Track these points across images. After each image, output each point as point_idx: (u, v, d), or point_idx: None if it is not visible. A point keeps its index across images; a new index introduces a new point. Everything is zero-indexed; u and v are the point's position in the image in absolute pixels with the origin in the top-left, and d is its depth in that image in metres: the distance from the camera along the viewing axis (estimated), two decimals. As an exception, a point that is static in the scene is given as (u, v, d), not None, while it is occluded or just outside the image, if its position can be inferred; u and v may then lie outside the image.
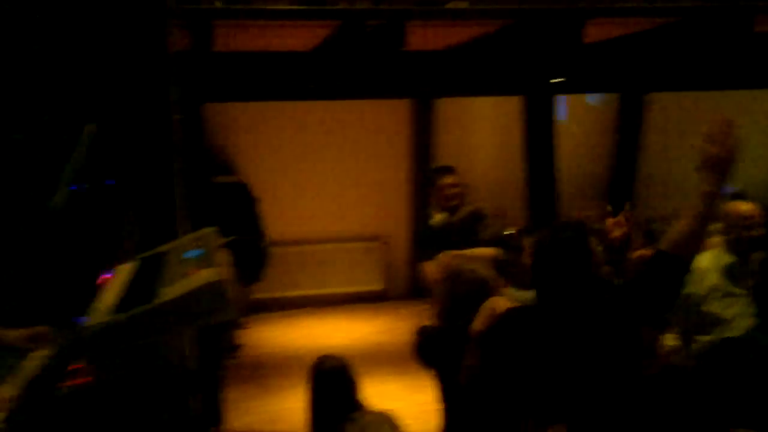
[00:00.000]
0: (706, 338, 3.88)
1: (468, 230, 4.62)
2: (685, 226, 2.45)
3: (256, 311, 7.93)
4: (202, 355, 4.33)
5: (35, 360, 2.44)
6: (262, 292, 7.88)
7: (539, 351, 2.57)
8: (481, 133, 9.10)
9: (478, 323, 2.95)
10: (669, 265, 2.46)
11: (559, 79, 6.83)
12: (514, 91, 7.85)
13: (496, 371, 2.72)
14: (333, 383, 3.51)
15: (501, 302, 3.00)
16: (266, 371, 6.59)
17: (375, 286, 8.90)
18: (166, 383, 2.26)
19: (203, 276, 2.04)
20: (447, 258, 4.07)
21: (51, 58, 3.01)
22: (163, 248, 2.67)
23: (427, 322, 3.50)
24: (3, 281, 2.94)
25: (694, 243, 2.49)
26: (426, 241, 4.79)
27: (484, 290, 3.11)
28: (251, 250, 6.54)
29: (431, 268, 4.37)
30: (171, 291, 2.04)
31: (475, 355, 2.91)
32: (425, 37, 5.54)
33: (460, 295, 3.13)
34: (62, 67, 3.01)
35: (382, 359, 6.55)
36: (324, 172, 8.69)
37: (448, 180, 4.82)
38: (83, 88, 2.98)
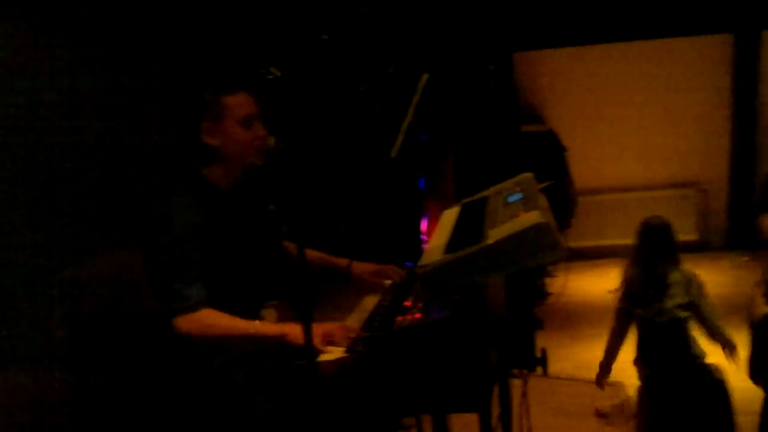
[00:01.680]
0: None
1: None
2: None
3: (564, 260, 7.90)
4: (515, 300, 4.42)
5: (375, 296, 2.67)
6: (570, 240, 7.83)
7: None
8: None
9: None
10: None
11: None
12: None
13: None
14: (657, 236, 3.91)
15: None
16: (575, 320, 6.57)
17: (690, 235, 8.42)
18: (486, 325, 2.34)
19: (531, 217, 2.07)
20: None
21: (388, 14, 3.19)
22: (485, 193, 2.75)
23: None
24: (347, 225, 3.23)
25: None
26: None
27: None
28: (559, 198, 6.51)
29: None
30: (499, 232, 2.10)
31: None
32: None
33: None
34: (399, 21, 3.19)
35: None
36: (635, 117, 8.37)
37: None
38: (418, 41, 3.13)
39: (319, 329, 2.22)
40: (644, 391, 4.02)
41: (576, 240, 8.02)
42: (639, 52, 8.04)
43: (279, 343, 2.30)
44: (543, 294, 6.58)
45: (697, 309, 3.89)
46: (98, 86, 5.82)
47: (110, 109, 5.75)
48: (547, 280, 6.91)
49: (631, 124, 8.42)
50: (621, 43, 7.79)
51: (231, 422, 2.38)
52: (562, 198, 6.69)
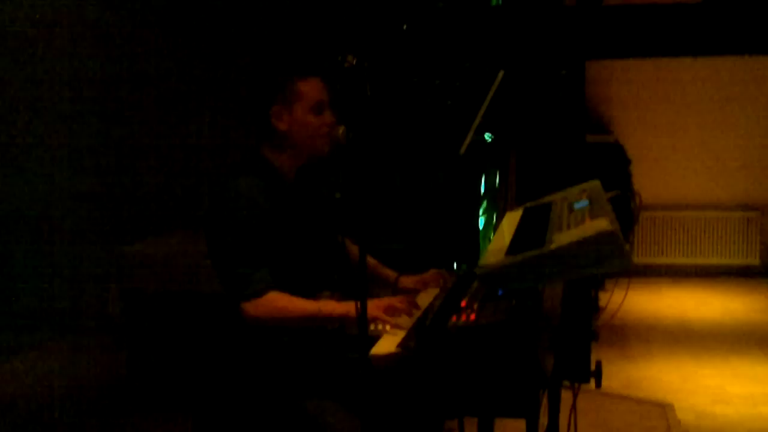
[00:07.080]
0: None
1: None
2: None
3: (620, 275, 7.75)
4: (572, 311, 4.34)
5: (428, 295, 2.65)
6: (627, 256, 7.70)
7: None
8: None
9: None
10: None
11: None
12: None
13: None
14: None
15: None
16: (627, 337, 6.44)
17: (751, 260, 8.21)
18: (541, 333, 2.30)
19: (598, 225, 2.03)
20: None
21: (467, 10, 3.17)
22: (549, 198, 2.70)
23: None
24: (404, 226, 3.22)
25: None
26: None
27: None
28: (621, 211, 6.39)
29: None
30: (564, 237, 2.06)
31: None
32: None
33: None
34: (477, 18, 3.16)
35: (754, 340, 6.04)
36: (701, 134, 8.17)
37: None
38: (495, 39, 3.11)
39: (382, 302, 2.28)
40: None
41: (634, 256, 7.87)
42: (713, 67, 7.85)
43: (344, 320, 2.34)
44: (594, 308, 6.45)
45: None
46: (171, 69, 5.90)
47: (174, 96, 5.82)
48: (599, 294, 6.78)
49: (700, 141, 8.22)
50: (695, 57, 7.63)
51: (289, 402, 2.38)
52: (624, 211, 6.56)
